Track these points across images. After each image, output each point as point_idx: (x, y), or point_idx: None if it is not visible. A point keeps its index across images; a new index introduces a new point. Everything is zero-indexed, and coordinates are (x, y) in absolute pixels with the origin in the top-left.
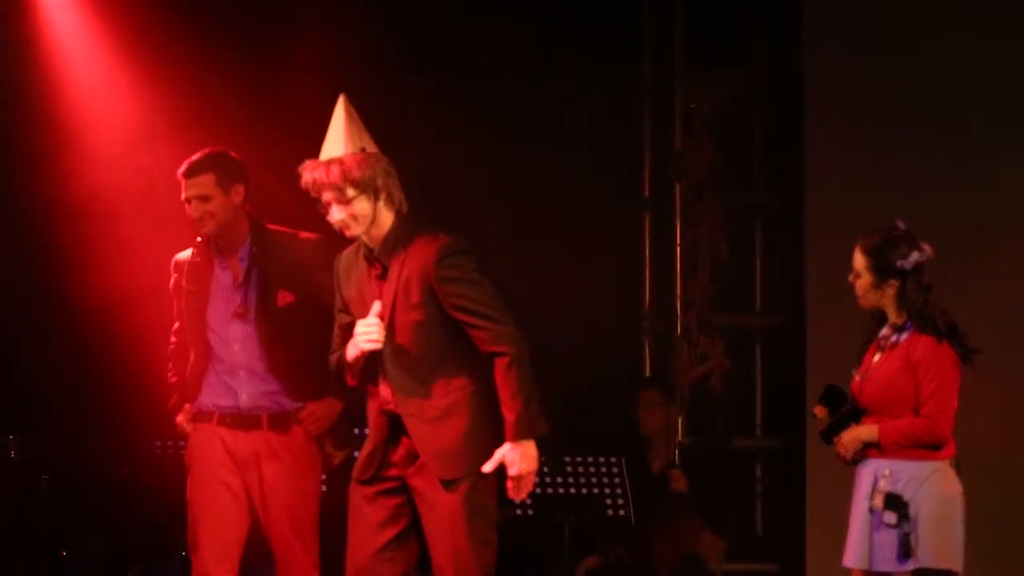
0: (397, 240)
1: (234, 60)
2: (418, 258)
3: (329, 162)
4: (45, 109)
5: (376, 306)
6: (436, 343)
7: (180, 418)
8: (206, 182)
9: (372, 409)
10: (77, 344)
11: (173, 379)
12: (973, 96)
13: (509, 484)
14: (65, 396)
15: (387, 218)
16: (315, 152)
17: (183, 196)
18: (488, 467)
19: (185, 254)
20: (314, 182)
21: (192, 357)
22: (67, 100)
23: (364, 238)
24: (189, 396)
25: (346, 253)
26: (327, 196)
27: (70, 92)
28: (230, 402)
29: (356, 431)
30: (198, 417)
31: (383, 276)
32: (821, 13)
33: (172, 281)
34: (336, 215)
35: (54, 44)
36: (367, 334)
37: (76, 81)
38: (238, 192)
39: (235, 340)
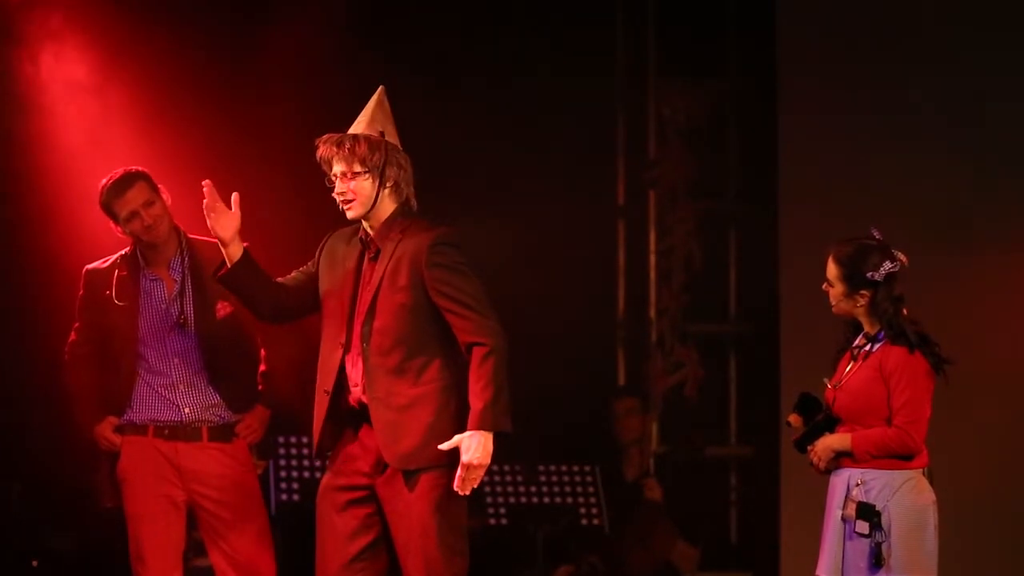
0: (394, 225)
1: (211, 82)
2: (412, 242)
3: (343, 136)
4: (19, 131)
5: (234, 196)
6: (417, 330)
7: (107, 431)
8: (143, 189)
9: (320, 390)
10: (45, 349)
11: (79, 391)
12: (948, 104)
13: (458, 473)
14: (35, 402)
15: (389, 207)
16: (290, 176)
17: (125, 214)
18: (444, 446)
19: (99, 265)
20: (326, 151)
21: (120, 371)
22: (45, 123)
23: (364, 223)
24: (113, 409)
25: (341, 231)
26: (336, 168)
27: (45, 113)
28: (170, 416)
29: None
30: (127, 430)
31: (375, 258)
32: (794, 22)
33: (82, 292)
34: (339, 188)
35: (30, 62)
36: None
37: (52, 102)
38: (165, 196)
39: (174, 354)
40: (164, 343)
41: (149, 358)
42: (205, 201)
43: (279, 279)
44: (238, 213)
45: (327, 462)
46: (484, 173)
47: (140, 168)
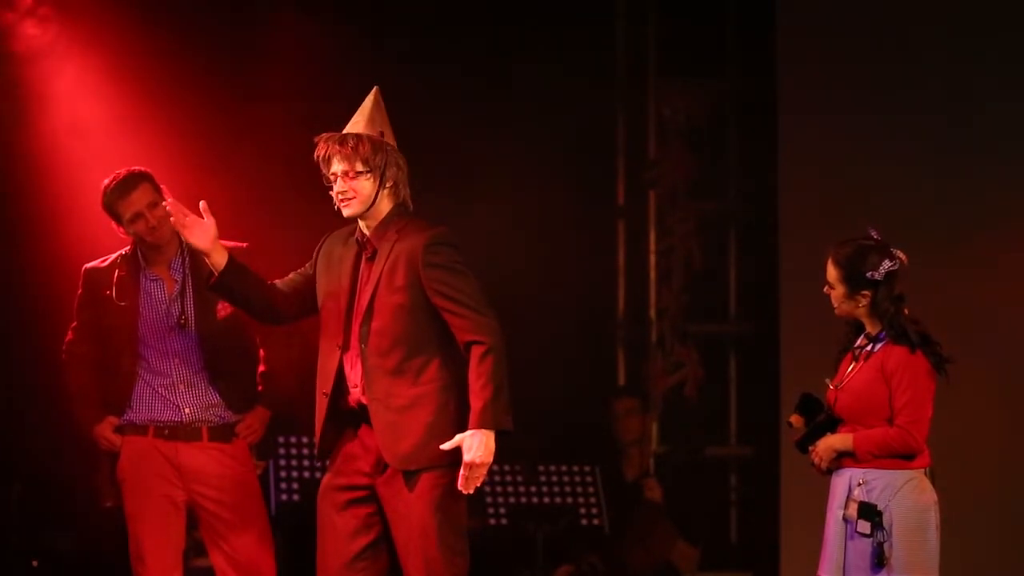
0: (390, 225)
1: (209, 81)
2: (408, 243)
3: (346, 134)
4: (19, 120)
5: (202, 204)
6: (415, 330)
7: (107, 431)
8: (147, 190)
9: (319, 392)
10: (45, 350)
11: (78, 391)
12: (947, 104)
13: (461, 473)
14: (35, 402)
15: (386, 207)
16: (288, 173)
17: (129, 215)
18: (446, 446)
19: (98, 264)
20: (327, 150)
21: (119, 371)
22: (43, 110)
23: (361, 224)
24: (113, 410)
25: (337, 232)
26: (336, 167)
27: (45, 103)
28: (170, 416)
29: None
30: (127, 430)
31: (372, 258)
32: (794, 22)
33: (81, 291)
34: (339, 186)
35: (28, 64)
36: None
37: (50, 93)
38: (168, 197)
39: (175, 354)
40: (164, 343)
41: (149, 358)
42: (172, 219)
43: (276, 281)
44: (211, 220)
45: (327, 462)
46: (483, 173)
47: (143, 169)
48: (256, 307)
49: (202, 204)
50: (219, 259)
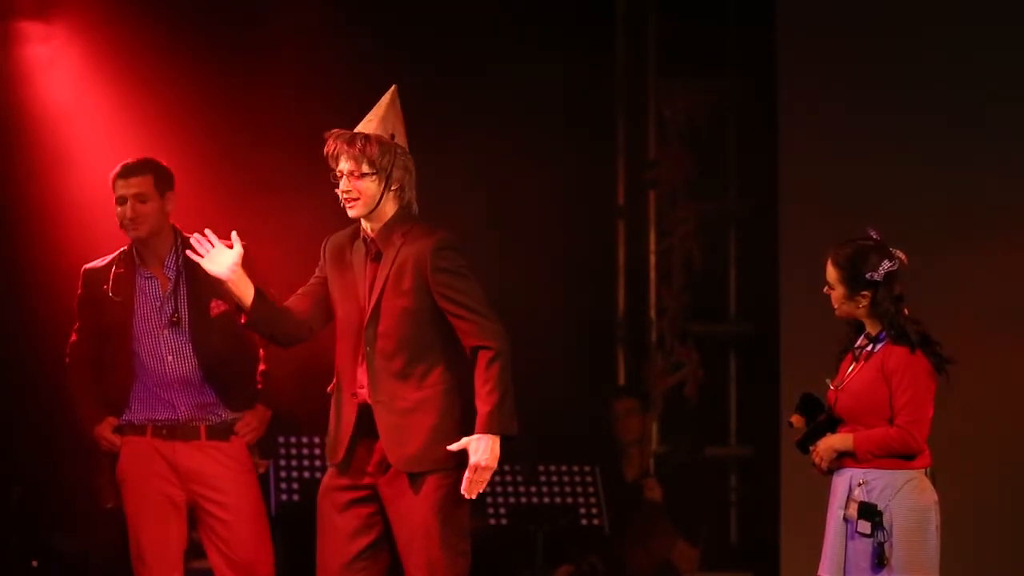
0: (395, 227)
1: (209, 70)
2: (415, 246)
3: (355, 134)
4: (19, 122)
5: (233, 233)
6: (420, 333)
7: (107, 432)
8: (145, 183)
9: (346, 393)
10: (45, 350)
11: (80, 392)
12: (946, 105)
13: (466, 476)
14: (35, 402)
15: (390, 209)
16: (290, 163)
17: (118, 195)
18: (453, 447)
19: (97, 264)
20: (335, 147)
21: (117, 370)
22: (43, 112)
23: (364, 224)
24: (113, 410)
25: (339, 234)
26: (343, 165)
27: (44, 105)
28: (167, 415)
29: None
30: (126, 430)
31: (376, 259)
32: (794, 22)
33: (80, 291)
34: (344, 185)
35: (28, 59)
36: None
37: (49, 94)
38: (170, 200)
39: (168, 352)
40: (158, 341)
41: (143, 356)
42: (189, 252)
43: (288, 302)
44: (239, 249)
45: (328, 461)
46: (483, 173)
47: (161, 163)
48: (280, 336)
49: (233, 234)
50: (243, 290)
